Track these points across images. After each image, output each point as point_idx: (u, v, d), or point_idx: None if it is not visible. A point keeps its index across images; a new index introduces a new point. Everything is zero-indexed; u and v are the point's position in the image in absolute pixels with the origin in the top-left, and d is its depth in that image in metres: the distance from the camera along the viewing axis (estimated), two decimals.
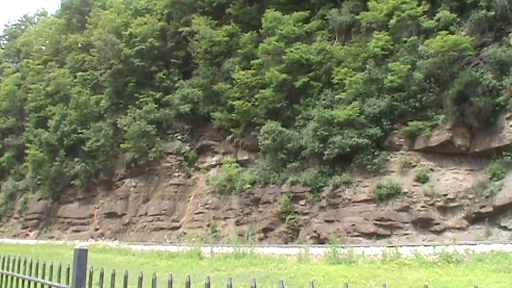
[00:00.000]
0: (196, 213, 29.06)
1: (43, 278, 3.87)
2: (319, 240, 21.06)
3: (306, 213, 23.25)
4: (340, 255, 13.62)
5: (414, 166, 21.28)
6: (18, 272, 4.22)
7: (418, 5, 22.83)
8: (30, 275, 4.01)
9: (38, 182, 39.25)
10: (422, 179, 20.62)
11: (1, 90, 49.89)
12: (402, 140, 22.14)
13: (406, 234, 19.64)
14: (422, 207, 19.84)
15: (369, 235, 20.11)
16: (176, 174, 31.65)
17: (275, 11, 28.34)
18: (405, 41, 22.73)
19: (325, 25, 27.77)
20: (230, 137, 29.70)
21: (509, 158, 18.80)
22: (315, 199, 23.03)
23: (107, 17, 39.04)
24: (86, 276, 3.26)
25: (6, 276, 4.40)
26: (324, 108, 23.68)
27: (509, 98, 19.25)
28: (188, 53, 34.00)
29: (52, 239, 33.55)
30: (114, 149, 35.04)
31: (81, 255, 3.26)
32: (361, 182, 21.87)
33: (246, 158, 28.89)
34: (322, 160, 23.12)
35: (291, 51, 26.10)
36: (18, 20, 66.73)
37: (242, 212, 26.11)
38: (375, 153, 21.94)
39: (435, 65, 21.28)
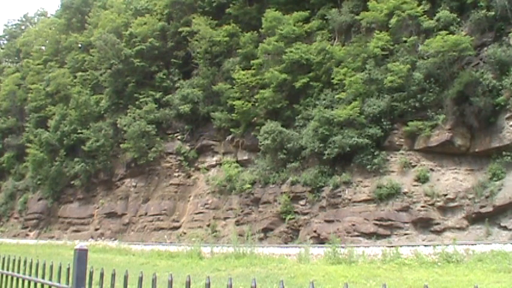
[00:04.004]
0: (196, 213, 29.05)
1: (43, 278, 3.87)
2: (319, 240, 21.07)
3: (306, 213, 23.25)
4: (340, 255, 13.62)
5: (414, 166, 21.28)
6: (18, 272, 4.22)
7: (418, 5, 22.84)
8: (30, 275, 4.01)
9: (38, 182, 39.24)
10: (422, 179, 20.62)
11: (1, 90, 49.89)
12: (402, 140, 22.14)
13: (406, 234, 19.64)
14: (422, 207, 19.84)
15: (369, 235, 20.11)
16: (176, 174, 31.65)
17: (275, 11, 28.33)
18: (405, 41, 22.73)
19: (325, 25, 27.77)
20: (230, 137, 29.70)
21: (509, 158, 18.80)
22: (315, 199, 23.04)
23: (107, 17, 39.06)
24: (86, 276, 3.26)
25: (6, 276, 4.40)
26: (324, 108, 23.68)
27: (509, 98, 19.26)
28: (188, 53, 33.99)
29: (52, 239, 33.55)
30: (114, 149, 35.04)
31: (81, 255, 3.26)
32: (361, 182, 21.88)
33: (246, 158, 28.89)
34: (322, 160, 23.12)
35: (291, 51, 26.10)
36: (18, 20, 66.80)
37: (242, 212, 26.11)
38: (375, 153, 21.94)
39: (435, 65, 21.28)
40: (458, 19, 22.11)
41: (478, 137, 20.53)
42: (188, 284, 2.86)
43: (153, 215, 30.70)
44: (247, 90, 28.53)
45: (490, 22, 21.11)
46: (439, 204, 19.78)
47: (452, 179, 20.23)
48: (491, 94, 19.68)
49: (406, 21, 22.89)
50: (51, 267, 4.04)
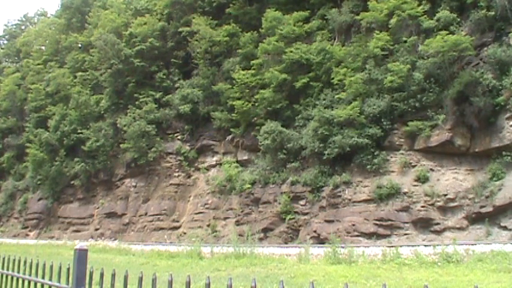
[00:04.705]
0: (196, 213, 29.06)
1: (43, 278, 3.87)
2: (319, 240, 21.06)
3: (306, 213, 23.25)
4: (340, 255, 13.62)
5: (414, 166, 21.27)
6: (18, 272, 4.22)
7: (418, 5, 22.83)
8: (30, 275, 4.01)
9: (38, 182, 39.24)
10: (422, 179, 20.61)
11: (1, 90, 49.88)
12: (402, 140, 22.14)
13: (406, 234, 19.63)
14: (422, 207, 19.84)
15: (369, 235, 20.11)
16: (176, 174, 31.65)
17: (275, 11, 28.35)
18: (405, 41, 22.73)
19: (325, 25, 27.77)
20: (230, 137, 29.70)
21: (509, 158, 18.80)
22: (315, 199, 23.03)
23: (107, 17, 39.06)
24: (86, 276, 3.26)
25: (6, 276, 4.40)
26: (324, 108, 23.67)
27: (509, 98, 19.26)
28: (188, 53, 33.99)
29: (52, 239, 33.53)
30: (114, 149, 35.04)
31: (81, 255, 3.26)
32: (361, 182, 21.87)
33: (246, 158, 28.89)
34: (322, 160, 23.12)
35: (291, 51, 26.10)
36: (18, 20, 66.81)
37: (242, 212, 26.11)
38: (375, 153, 21.94)
39: (435, 65, 21.28)
40: (458, 19, 22.10)
41: (478, 137, 20.53)
42: (188, 284, 2.86)
43: (153, 215, 30.70)
44: (247, 90, 28.52)
45: (490, 22, 21.11)
46: (439, 204, 19.77)
47: (452, 179, 20.23)
48: (491, 94, 19.68)
49: (406, 21, 22.88)
50: (51, 267, 4.04)
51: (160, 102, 33.61)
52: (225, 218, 27.20)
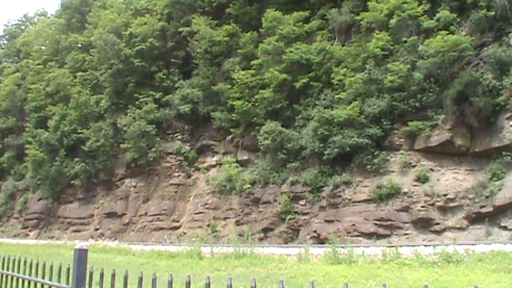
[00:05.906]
0: (196, 213, 29.05)
1: (43, 278, 3.87)
2: (319, 240, 21.07)
3: (306, 213, 23.25)
4: (340, 255, 13.63)
5: (414, 166, 21.28)
6: (18, 272, 4.22)
7: (418, 5, 22.83)
8: (30, 275, 4.01)
9: (38, 182, 39.23)
10: (422, 179, 20.62)
11: (1, 90, 49.86)
12: (402, 140, 22.14)
13: (406, 234, 19.64)
14: (422, 207, 19.84)
15: (369, 235, 20.11)
16: (176, 174, 31.65)
17: (275, 11, 28.34)
18: (405, 41, 22.73)
19: (325, 25, 27.78)
20: (230, 137, 29.70)
21: (509, 158, 18.80)
22: (315, 199, 23.03)
23: (107, 17, 39.06)
24: (86, 276, 3.26)
25: (6, 276, 4.41)
26: (324, 108, 23.68)
27: (509, 98, 19.25)
28: (188, 53, 34.00)
29: (52, 239, 33.54)
30: (114, 149, 35.04)
31: (81, 255, 3.26)
32: (361, 182, 21.87)
33: (246, 158, 28.89)
34: (322, 160, 23.12)
35: (291, 51, 26.10)
36: (18, 20, 66.81)
37: (242, 212, 26.11)
38: (375, 153, 21.94)
39: (435, 65, 21.27)
40: (458, 19, 22.10)
41: (478, 137, 20.53)
42: (188, 284, 2.86)
43: (153, 215, 30.70)
44: (247, 90, 28.52)
45: (490, 22, 21.10)
46: (439, 204, 19.78)
47: (452, 179, 20.23)
48: (491, 94, 19.67)
49: (406, 21, 22.88)
50: (51, 267, 4.04)
51: (160, 102, 33.61)
52: (225, 218, 27.20)
